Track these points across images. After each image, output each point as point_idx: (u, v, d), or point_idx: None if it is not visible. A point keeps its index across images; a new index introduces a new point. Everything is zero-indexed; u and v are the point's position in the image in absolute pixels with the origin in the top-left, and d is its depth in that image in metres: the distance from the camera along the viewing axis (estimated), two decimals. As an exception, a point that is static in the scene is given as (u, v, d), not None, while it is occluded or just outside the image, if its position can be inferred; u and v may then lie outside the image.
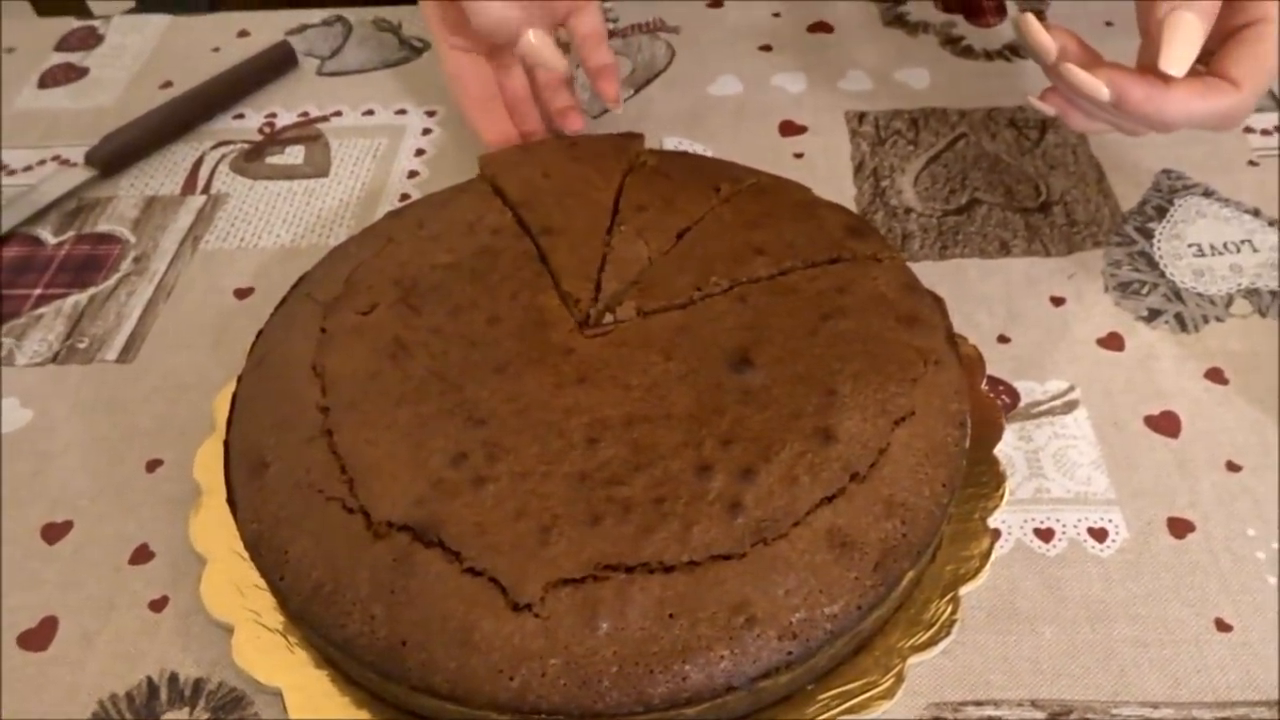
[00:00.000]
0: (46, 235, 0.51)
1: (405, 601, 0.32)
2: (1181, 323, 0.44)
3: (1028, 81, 0.57)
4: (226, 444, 0.38)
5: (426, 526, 0.33)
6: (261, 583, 0.35)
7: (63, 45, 0.64)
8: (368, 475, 0.34)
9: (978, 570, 0.35)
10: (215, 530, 0.37)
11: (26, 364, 0.45)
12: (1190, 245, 0.47)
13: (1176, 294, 0.45)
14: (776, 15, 0.63)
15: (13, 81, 0.61)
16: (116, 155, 0.55)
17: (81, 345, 0.46)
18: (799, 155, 0.54)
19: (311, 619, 0.33)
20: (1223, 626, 0.35)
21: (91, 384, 0.44)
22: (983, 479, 0.38)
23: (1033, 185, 0.51)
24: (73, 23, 0.66)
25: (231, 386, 0.40)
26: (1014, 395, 0.42)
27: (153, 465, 0.41)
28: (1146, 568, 0.36)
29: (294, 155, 0.56)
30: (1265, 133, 0.52)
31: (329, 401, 0.37)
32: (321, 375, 0.38)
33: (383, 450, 0.35)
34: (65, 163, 0.55)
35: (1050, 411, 0.41)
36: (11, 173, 0.55)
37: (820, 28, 0.62)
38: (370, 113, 0.58)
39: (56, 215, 0.52)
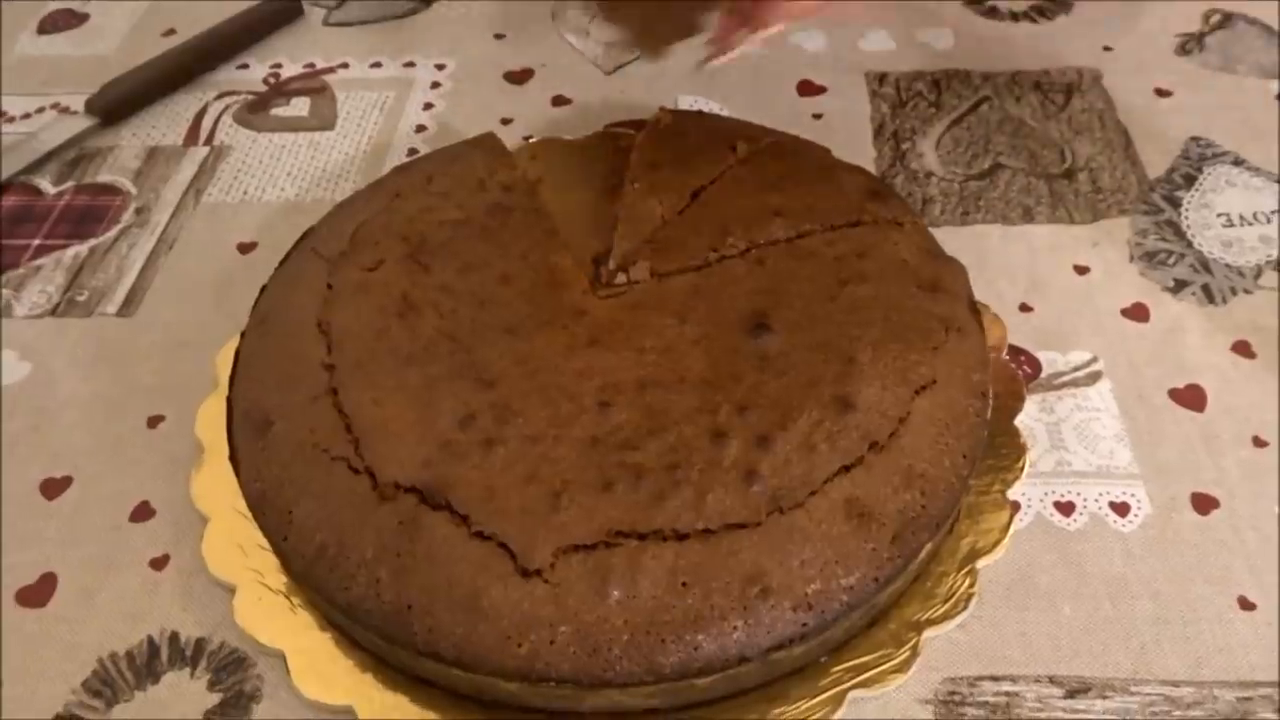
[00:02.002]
0: (46, 184, 0.50)
1: (411, 565, 0.31)
2: (1209, 294, 0.43)
3: (1055, 44, 0.55)
4: (229, 401, 0.37)
5: (434, 489, 0.32)
6: (264, 543, 0.34)
7: (62, -9, 0.62)
8: (374, 435, 0.34)
9: (996, 544, 0.34)
10: (217, 489, 0.36)
11: (25, 316, 0.44)
12: (1219, 215, 0.46)
13: (1204, 264, 0.44)
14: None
15: (12, 27, 0.60)
16: (117, 104, 0.53)
17: (81, 298, 0.45)
18: (818, 116, 0.52)
19: (315, 581, 0.32)
20: (1246, 605, 0.34)
21: (91, 338, 0.43)
22: (1003, 450, 0.37)
23: (1057, 151, 0.49)
24: (73, -33, 0.64)
25: (235, 342, 0.39)
26: (1036, 365, 0.41)
27: (154, 421, 0.40)
28: (1169, 544, 0.35)
29: (299, 107, 0.54)
30: (1298, 101, 0.51)
31: (335, 359, 0.36)
32: (327, 332, 0.37)
33: (390, 410, 0.34)
34: (65, 110, 0.54)
35: (1073, 383, 0.40)
36: (10, 120, 0.54)
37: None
38: (378, 65, 0.57)
39: (56, 164, 0.51)
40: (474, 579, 0.30)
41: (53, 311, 0.44)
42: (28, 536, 0.37)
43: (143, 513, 0.37)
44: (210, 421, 0.38)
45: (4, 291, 0.45)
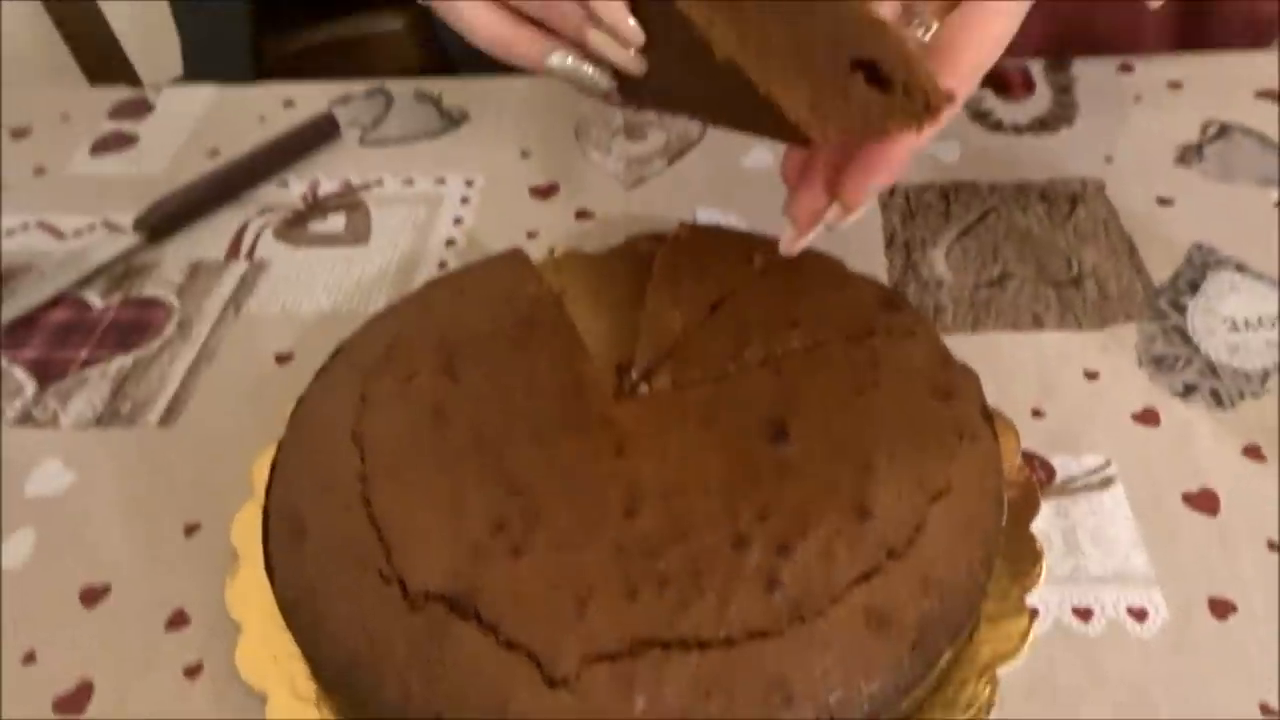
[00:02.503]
0: (94, 299, 0.53)
1: (441, 674, 0.32)
2: (1217, 398, 0.44)
3: (1058, 155, 0.57)
4: (265, 509, 0.38)
5: (463, 597, 0.33)
6: (296, 651, 0.35)
7: (115, 113, 0.66)
8: (405, 544, 0.35)
9: (1016, 650, 0.35)
10: (252, 596, 0.37)
11: (71, 426, 0.46)
12: (1224, 320, 0.47)
13: (1212, 369, 0.45)
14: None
15: (67, 148, 0.63)
16: (163, 221, 0.56)
17: (125, 409, 0.47)
18: (830, 227, 0.54)
19: (346, 689, 0.33)
20: (1267, 710, 0.34)
21: (133, 447, 0.45)
22: (1020, 556, 0.37)
23: (1064, 259, 0.51)
24: (125, 92, 0.68)
25: (271, 451, 0.41)
26: (1049, 470, 0.41)
27: (191, 529, 0.42)
28: (1188, 649, 0.36)
29: (335, 223, 0.57)
30: (1298, 208, 0.53)
31: (368, 469, 0.37)
32: (360, 442, 0.38)
33: (420, 519, 0.35)
34: (114, 228, 0.57)
35: (1087, 487, 0.41)
36: (62, 237, 0.57)
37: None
38: (410, 182, 0.59)
39: (104, 279, 0.54)
40: (502, 689, 0.31)
41: (97, 422, 0.46)
42: (66, 644, 0.38)
43: (179, 620, 0.39)
44: (246, 529, 0.39)
45: (52, 403, 0.47)
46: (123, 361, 0.49)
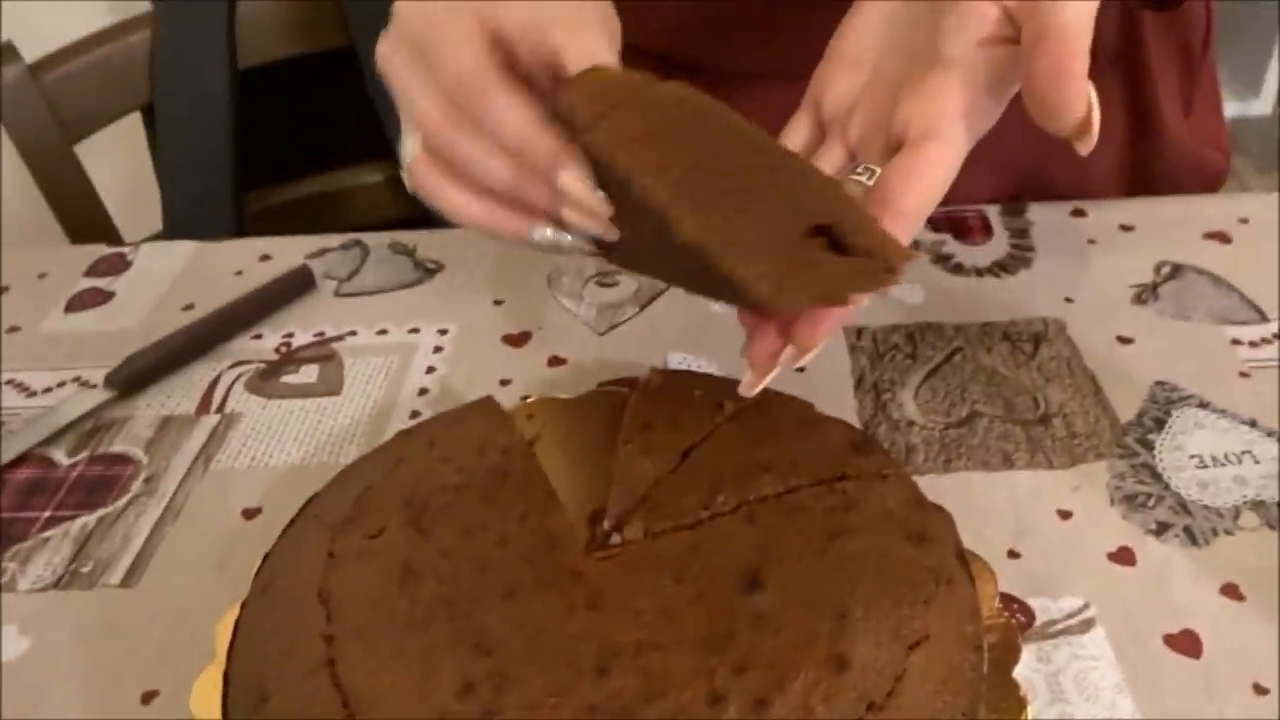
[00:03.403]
0: (60, 456, 0.52)
1: None
2: (1191, 536, 0.44)
3: (1019, 296, 0.59)
4: (225, 674, 0.37)
5: (430, 766, 0.31)
6: (256, 827, 0.33)
7: (92, 270, 0.67)
8: (371, 709, 0.33)
9: (1005, 805, 0.34)
10: (211, 768, 0.35)
11: (28, 589, 0.45)
12: (1192, 456, 0.47)
13: (1183, 506, 0.45)
14: (773, 236, 0.66)
15: (42, 306, 0.64)
16: (136, 376, 0.56)
17: (85, 569, 0.46)
18: (800, 370, 0.55)
19: None
20: None
21: (93, 610, 0.44)
22: (1004, 704, 0.36)
23: (1031, 398, 0.52)
24: (104, 249, 0.69)
25: (235, 612, 0.40)
26: (1029, 613, 0.41)
27: (148, 697, 0.40)
28: (1182, 801, 0.35)
29: (308, 374, 0.57)
30: (1254, 344, 0.54)
31: (334, 630, 0.36)
32: (327, 602, 0.38)
33: (387, 682, 0.34)
34: (85, 384, 0.57)
35: (1067, 630, 0.40)
36: (31, 394, 0.56)
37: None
38: (384, 331, 0.60)
39: (72, 436, 0.53)
40: None
41: (56, 584, 0.45)
42: (12, 825, 0.36)
43: (133, 795, 0.37)
44: (206, 696, 0.38)
45: (9, 565, 0.46)
46: (86, 520, 0.48)
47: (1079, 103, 0.34)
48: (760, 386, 0.40)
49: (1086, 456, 0.48)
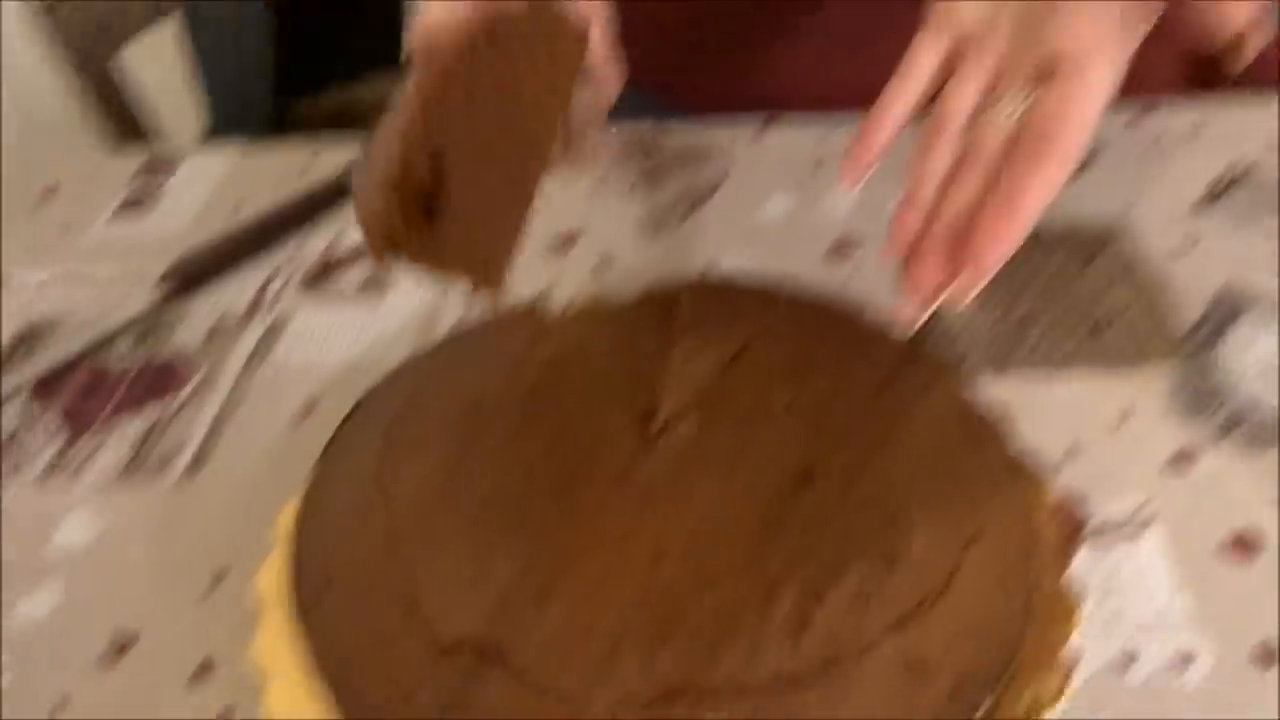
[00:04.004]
0: (121, 353, 0.53)
1: (471, 722, 0.31)
2: (1251, 440, 0.43)
3: (1080, 198, 0.57)
4: (292, 560, 0.38)
5: (492, 645, 0.32)
6: (324, 699, 0.35)
7: (140, 173, 0.67)
8: (432, 592, 0.34)
9: (1055, 699, 0.34)
10: (279, 646, 0.37)
11: (97, 479, 0.46)
12: (1255, 361, 0.46)
13: (1244, 411, 0.44)
14: (826, 138, 0.65)
15: (93, 208, 0.64)
16: (188, 277, 0.57)
17: (150, 462, 0.47)
18: (851, 275, 0.54)
19: (374, 740, 0.33)
20: (1318, 762, 0.33)
21: (159, 499, 0.45)
22: (1056, 603, 0.36)
23: (1090, 301, 0.51)
24: (150, 153, 0.69)
25: (296, 503, 0.40)
26: (1084, 515, 0.41)
27: (217, 579, 0.41)
28: (1230, 698, 0.35)
29: (357, 276, 0.57)
30: (1324, 248, 0.52)
31: (392, 518, 0.37)
32: (385, 492, 0.38)
33: (447, 567, 0.35)
34: (140, 284, 0.57)
35: (1122, 533, 0.40)
36: (90, 293, 0.57)
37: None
38: (432, 235, 0.60)
39: (130, 334, 0.54)
40: (533, 737, 0.30)
41: (123, 474, 0.46)
42: (96, 695, 0.38)
43: (206, 670, 0.38)
44: (272, 579, 0.39)
45: (79, 456, 0.47)
46: (147, 416, 0.49)
47: (1237, 15, 0.33)
48: (922, 319, 0.38)
49: (1147, 360, 0.47)
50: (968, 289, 0.36)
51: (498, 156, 0.37)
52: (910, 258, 0.37)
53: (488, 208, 0.37)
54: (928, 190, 0.38)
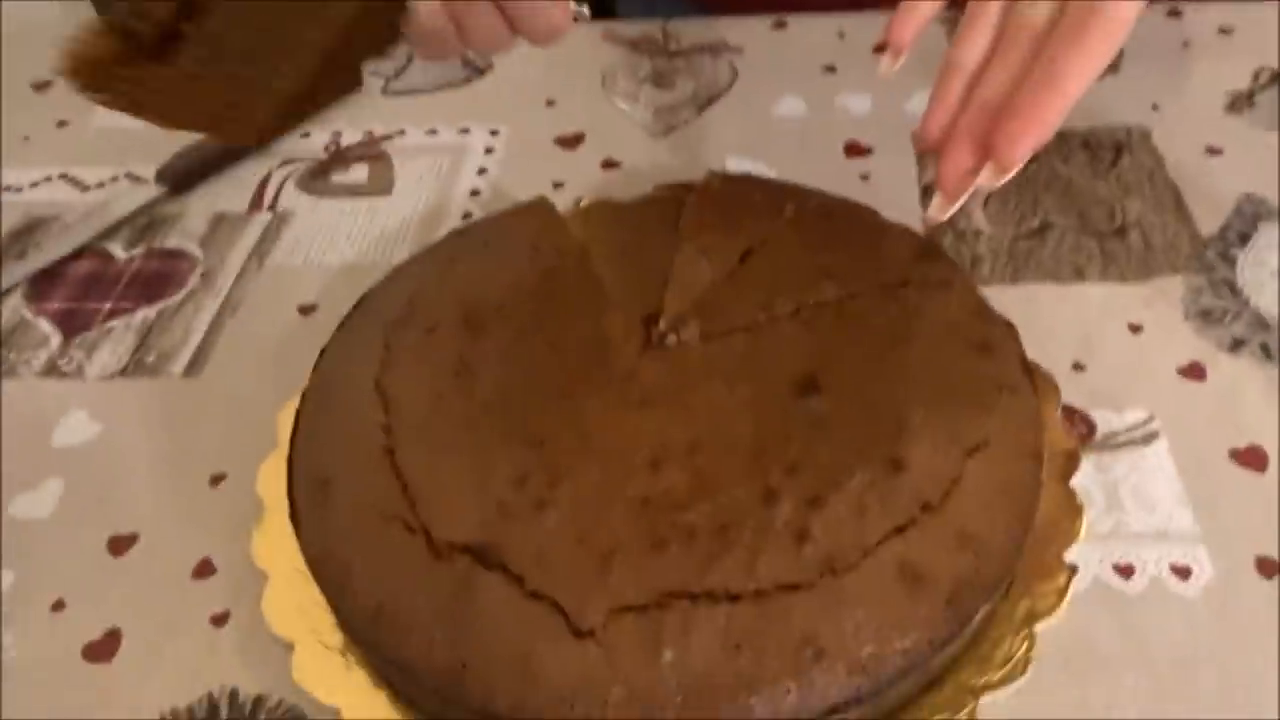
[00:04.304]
0: (118, 250, 0.52)
1: (466, 625, 0.31)
2: (1266, 352, 0.42)
3: (1102, 102, 0.55)
4: (290, 460, 0.38)
5: (488, 549, 0.32)
6: (322, 601, 0.35)
7: (137, 65, 0.65)
8: (430, 496, 0.34)
9: (1054, 607, 0.34)
10: (277, 547, 0.37)
11: (96, 378, 0.46)
12: (1274, 272, 0.45)
13: (1261, 322, 0.43)
14: (841, 36, 0.62)
15: (88, 101, 0.63)
16: (186, 172, 0.55)
17: (149, 360, 0.46)
18: (864, 177, 0.53)
19: (371, 639, 0.33)
20: (1315, 673, 0.33)
21: (158, 398, 0.45)
22: (1059, 512, 0.36)
23: (1107, 209, 0.49)
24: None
25: (295, 403, 0.40)
26: (1090, 425, 0.40)
27: (216, 480, 0.41)
28: (1233, 609, 0.35)
29: (358, 173, 0.56)
30: (1353, 157, 0.51)
31: (392, 421, 0.37)
32: (384, 394, 0.38)
33: (445, 471, 0.35)
34: (137, 179, 0.56)
35: (1129, 443, 0.40)
36: (85, 189, 0.56)
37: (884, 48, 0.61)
38: (434, 132, 0.59)
39: (128, 231, 0.53)
40: (527, 640, 0.31)
41: (122, 373, 0.46)
42: (95, 593, 0.38)
43: (205, 570, 0.38)
44: (271, 480, 0.39)
45: (77, 354, 0.47)
46: (147, 313, 0.49)
47: None
48: (950, 211, 0.35)
49: (1162, 270, 0.46)
50: (999, 177, 0.33)
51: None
52: (941, 144, 0.35)
53: (237, 56, 0.33)
54: (963, 73, 0.36)
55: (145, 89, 0.33)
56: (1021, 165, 0.33)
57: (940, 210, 0.35)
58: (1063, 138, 0.53)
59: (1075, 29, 0.33)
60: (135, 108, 0.33)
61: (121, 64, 0.33)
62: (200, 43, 0.33)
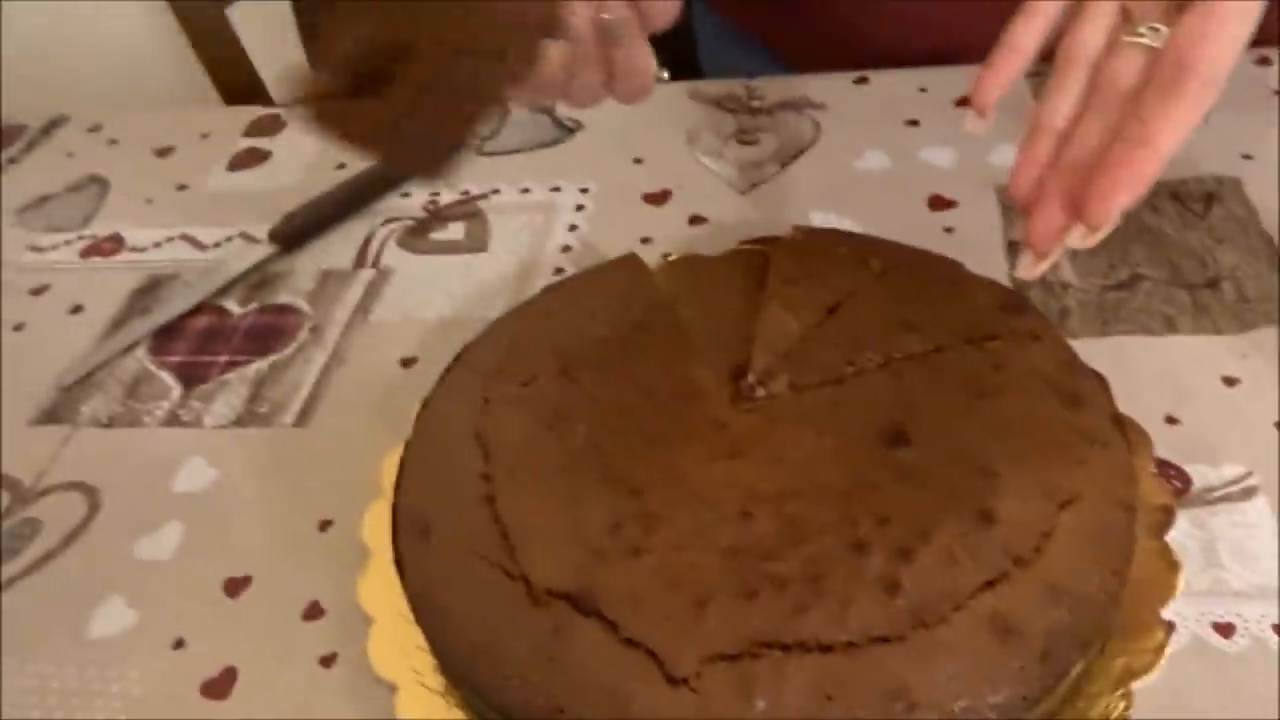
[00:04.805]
0: (233, 306, 0.55)
1: (563, 669, 0.32)
2: (1370, 406, 0.41)
3: (1191, 153, 0.55)
4: (394, 507, 0.40)
5: (585, 595, 0.33)
6: (424, 644, 0.36)
7: (250, 131, 0.70)
8: (528, 542, 0.35)
9: (1151, 665, 0.34)
10: (382, 591, 0.38)
11: (213, 426, 0.49)
12: (1375, 324, 0.44)
13: (1363, 375, 0.42)
14: (923, 90, 0.63)
15: (206, 165, 0.67)
16: (296, 232, 0.59)
17: (262, 410, 0.49)
18: (949, 230, 0.53)
19: (470, 682, 0.34)
20: None
21: (270, 446, 0.47)
22: (1155, 567, 0.36)
23: (1199, 260, 0.49)
24: (259, 111, 0.72)
25: (399, 451, 0.42)
26: (1185, 479, 0.40)
27: (324, 525, 0.43)
28: (1339, 670, 0.34)
29: (455, 231, 0.59)
30: None
31: (491, 469, 0.38)
32: (484, 443, 0.39)
33: (543, 518, 0.36)
34: (250, 239, 0.60)
35: (1227, 498, 0.39)
36: (203, 248, 0.60)
37: (968, 102, 0.62)
38: (527, 190, 0.61)
39: (242, 288, 0.57)
40: (623, 685, 0.31)
41: (237, 422, 0.49)
42: (213, 632, 0.40)
43: (314, 612, 0.40)
44: (376, 526, 0.41)
45: (195, 404, 0.50)
46: (260, 365, 0.52)
47: None
48: (1042, 269, 0.36)
49: (1257, 322, 0.45)
50: (1090, 236, 0.34)
51: (460, 55, 0.36)
52: (1031, 202, 0.36)
53: (437, 102, 0.36)
54: (1053, 131, 0.36)
55: (352, 123, 0.36)
56: (1114, 225, 0.33)
57: (1030, 268, 0.35)
58: (1152, 188, 0.53)
59: (1168, 87, 0.33)
60: (343, 139, 0.37)
61: (337, 99, 0.36)
62: (406, 84, 0.36)
